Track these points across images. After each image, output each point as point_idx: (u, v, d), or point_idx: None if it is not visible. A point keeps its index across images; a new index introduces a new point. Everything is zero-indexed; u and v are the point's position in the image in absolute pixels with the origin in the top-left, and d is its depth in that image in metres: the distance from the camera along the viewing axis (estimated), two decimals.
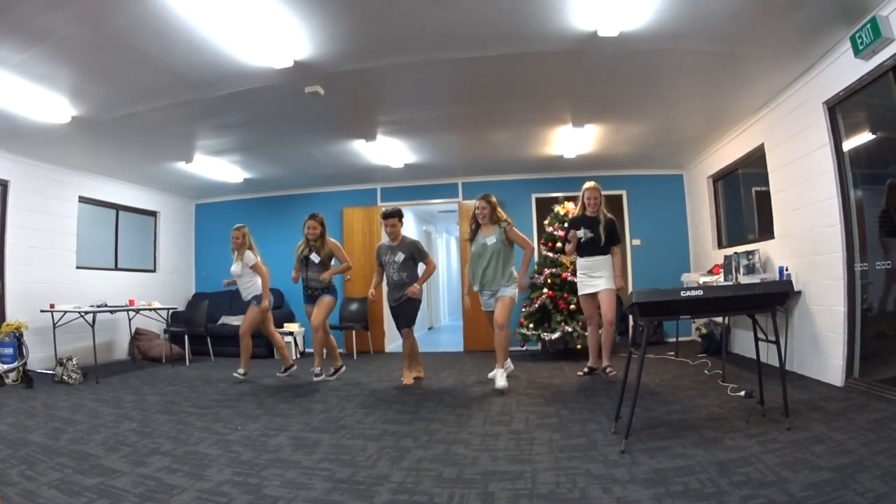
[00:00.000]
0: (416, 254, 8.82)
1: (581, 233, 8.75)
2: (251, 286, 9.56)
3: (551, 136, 11.07)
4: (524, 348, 11.72)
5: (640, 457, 4.78)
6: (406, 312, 8.83)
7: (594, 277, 8.73)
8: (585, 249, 8.78)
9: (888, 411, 5.81)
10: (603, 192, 8.84)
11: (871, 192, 7.21)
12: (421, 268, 9.05)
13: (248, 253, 9.51)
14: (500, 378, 8.23)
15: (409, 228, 9.07)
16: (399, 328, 8.99)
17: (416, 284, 8.69)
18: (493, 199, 8.75)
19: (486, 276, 8.57)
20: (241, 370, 9.48)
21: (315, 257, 9.04)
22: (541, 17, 6.39)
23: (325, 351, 9.44)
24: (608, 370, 8.78)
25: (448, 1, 6.05)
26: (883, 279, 6.89)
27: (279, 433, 6.08)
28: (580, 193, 8.98)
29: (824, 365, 7.68)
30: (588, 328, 9.19)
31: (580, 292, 8.98)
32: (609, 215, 8.86)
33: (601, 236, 8.69)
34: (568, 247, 9.08)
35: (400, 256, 8.73)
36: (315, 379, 9.16)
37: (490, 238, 8.56)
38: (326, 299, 9.18)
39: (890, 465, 4.21)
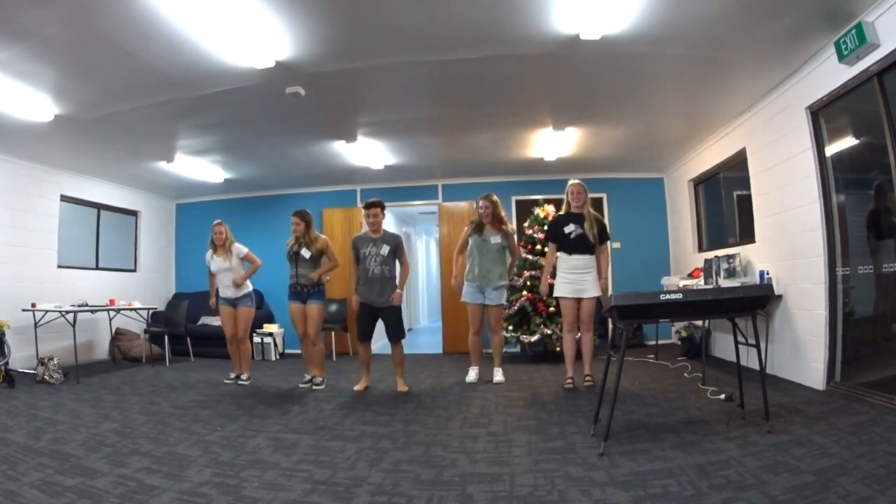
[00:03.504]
0: (398, 248, 8.62)
1: (570, 228, 8.39)
2: (243, 284, 9.39)
3: (532, 138, 11.10)
4: (503, 351, 11.76)
5: (619, 459, 4.78)
6: (396, 323, 8.65)
7: (582, 280, 8.34)
8: (574, 247, 8.39)
9: (869, 415, 5.84)
10: (577, 181, 8.68)
11: (853, 196, 7.30)
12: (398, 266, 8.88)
13: (238, 245, 9.40)
14: (497, 375, 8.98)
15: (389, 230, 9.01)
16: (393, 340, 8.73)
17: (398, 290, 8.54)
18: (495, 198, 8.99)
19: (483, 271, 8.85)
20: (244, 375, 9.44)
21: (306, 253, 8.80)
22: (523, 20, 6.41)
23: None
24: (587, 379, 8.49)
25: (430, 2, 6.06)
26: (866, 282, 6.95)
27: (258, 434, 6.06)
28: (564, 194, 8.72)
29: (805, 368, 7.72)
30: (566, 335, 8.74)
31: (563, 293, 8.45)
32: (595, 213, 8.60)
33: (590, 232, 8.32)
34: (546, 258, 9.01)
35: (385, 249, 8.49)
36: (315, 388, 8.83)
37: (495, 237, 8.85)
38: (316, 307, 8.86)
39: (871, 469, 4.23)
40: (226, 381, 9.35)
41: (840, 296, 7.27)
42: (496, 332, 9.11)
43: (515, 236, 9.08)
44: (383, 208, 8.74)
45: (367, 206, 8.65)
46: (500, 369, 9.17)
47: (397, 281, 8.69)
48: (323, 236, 9.17)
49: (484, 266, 8.89)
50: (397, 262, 8.73)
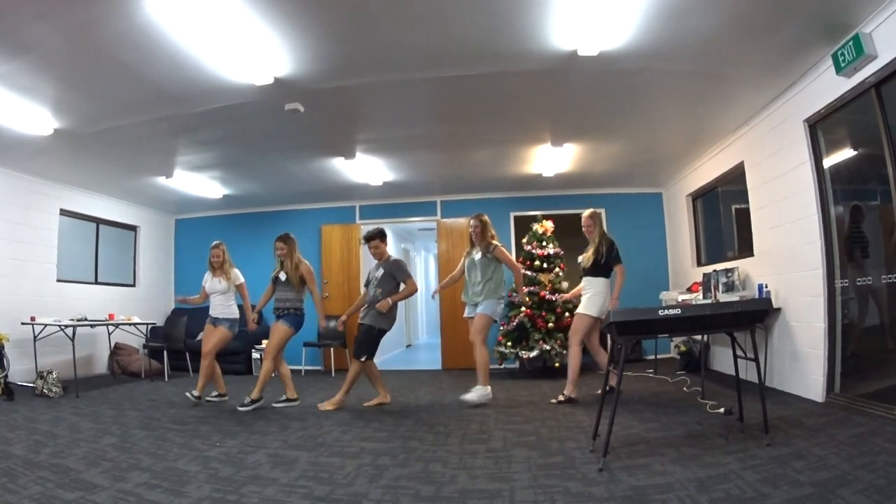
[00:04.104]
0: (395, 272, 8.64)
1: (580, 258, 8.82)
2: (229, 307, 9.32)
3: (530, 154, 11.14)
4: (502, 366, 11.71)
5: (619, 474, 4.76)
6: (360, 340, 8.60)
7: (584, 299, 8.67)
8: (583, 271, 8.80)
9: (869, 426, 5.84)
10: (585, 213, 8.76)
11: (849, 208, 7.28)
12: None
13: (236, 271, 9.35)
14: (471, 394, 8.55)
15: (387, 246, 9.03)
16: (353, 354, 8.76)
17: (387, 299, 8.45)
18: (485, 218, 9.04)
19: (469, 289, 8.94)
20: (194, 392, 9.18)
21: (282, 275, 8.87)
22: (521, 37, 6.44)
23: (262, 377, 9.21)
24: (559, 397, 8.56)
25: (429, 20, 6.10)
26: (861, 295, 7.00)
27: (257, 450, 6.04)
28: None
29: (805, 381, 7.72)
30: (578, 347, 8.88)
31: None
32: (607, 237, 8.74)
33: (584, 259, 8.70)
34: None
35: (380, 272, 8.60)
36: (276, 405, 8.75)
37: (477, 254, 8.89)
38: (279, 326, 8.85)
39: (871, 480, 4.22)
40: (208, 399, 9.21)
41: (839, 308, 7.28)
42: (474, 344, 8.74)
43: (504, 250, 8.99)
44: (383, 238, 8.78)
45: (367, 240, 8.76)
46: (479, 387, 8.61)
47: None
48: (306, 263, 9.08)
49: (468, 284, 9.02)
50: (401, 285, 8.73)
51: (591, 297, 8.49)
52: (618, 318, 5.18)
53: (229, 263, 9.37)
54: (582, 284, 8.78)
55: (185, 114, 8.33)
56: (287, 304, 8.85)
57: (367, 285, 8.88)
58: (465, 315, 9.07)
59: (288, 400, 8.79)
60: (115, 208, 13.74)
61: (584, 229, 8.80)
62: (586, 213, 8.83)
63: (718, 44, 6.64)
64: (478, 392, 8.50)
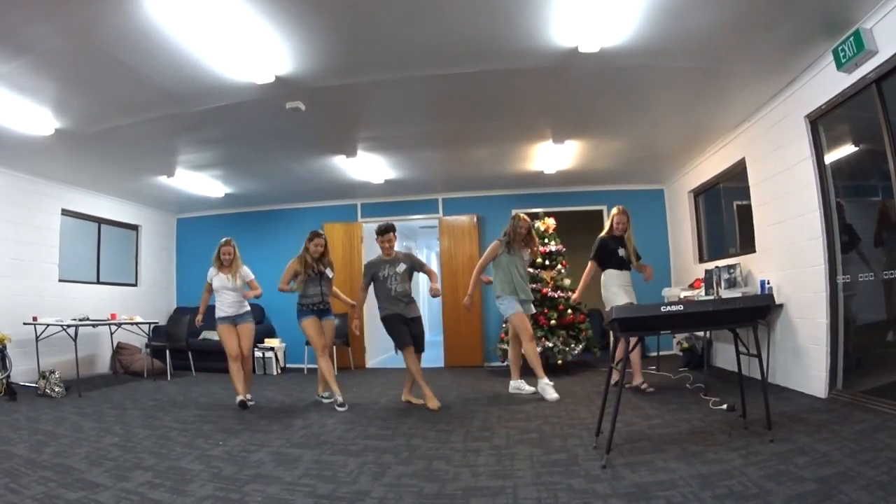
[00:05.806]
0: (417, 263, 8.83)
1: (622, 251, 9.05)
2: (244, 302, 9.29)
3: (531, 152, 11.12)
4: (505, 363, 11.67)
5: (622, 471, 4.76)
6: (422, 333, 8.88)
7: (632, 291, 9.06)
8: (623, 264, 9.11)
9: (872, 422, 5.83)
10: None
11: (853, 204, 7.33)
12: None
13: (245, 268, 9.32)
14: (549, 391, 8.62)
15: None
16: (418, 350, 8.80)
17: (436, 286, 8.70)
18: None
19: (524, 286, 9.15)
20: (247, 395, 9.18)
21: (329, 272, 8.95)
22: (522, 34, 6.43)
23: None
24: (644, 386, 8.71)
25: (429, 18, 6.09)
26: (864, 290, 7.01)
27: (260, 449, 6.04)
28: (610, 216, 9.30)
29: (807, 377, 7.70)
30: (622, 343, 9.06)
31: (622, 301, 8.80)
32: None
33: (631, 254, 9.12)
34: (586, 273, 9.34)
35: (402, 267, 8.59)
36: (334, 405, 8.64)
37: (528, 255, 9.30)
38: (335, 322, 9.25)
39: (874, 476, 4.22)
40: (243, 404, 8.91)
41: (841, 304, 7.26)
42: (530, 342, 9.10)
43: None
44: (395, 231, 8.80)
45: (383, 232, 8.65)
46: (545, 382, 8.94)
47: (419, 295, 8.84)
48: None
49: (522, 281, 9.10)
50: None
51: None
52: (620, 315, 5.19)
53: (239, 261, 9.32)
54: (628, 278, 9.13)
55: (186, 113, 8.31)
56: (328, 299, 9.07)
57: (378, 281, 8.66)
58: (522, 311, 9.04)
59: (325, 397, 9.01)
60: (117, 208, 13.72)
61: (619, 226, 9.12)
62: (620, 207, 9.20)
63: (719, 40, 6.63)
64: (549, 386, 8.72)
